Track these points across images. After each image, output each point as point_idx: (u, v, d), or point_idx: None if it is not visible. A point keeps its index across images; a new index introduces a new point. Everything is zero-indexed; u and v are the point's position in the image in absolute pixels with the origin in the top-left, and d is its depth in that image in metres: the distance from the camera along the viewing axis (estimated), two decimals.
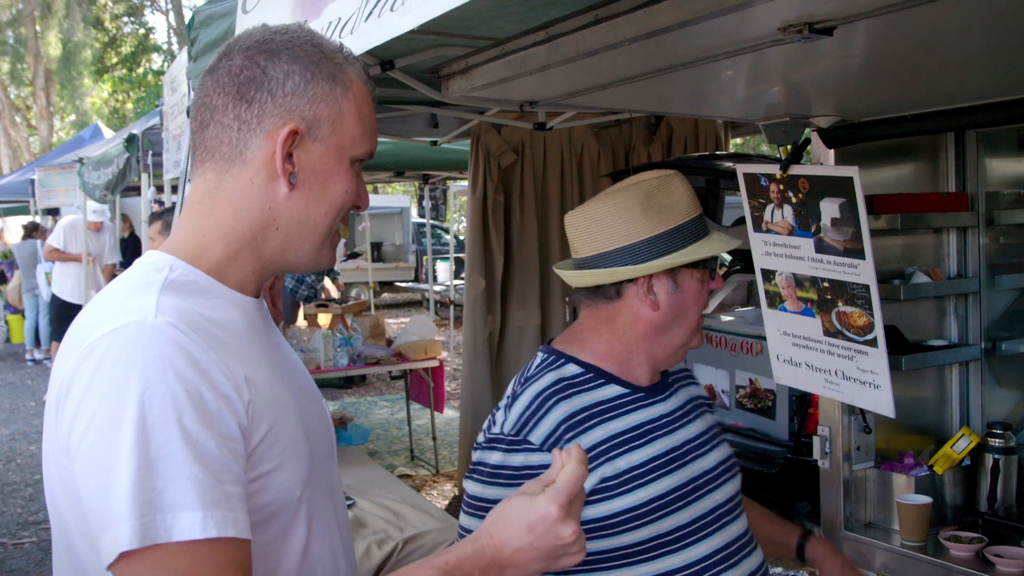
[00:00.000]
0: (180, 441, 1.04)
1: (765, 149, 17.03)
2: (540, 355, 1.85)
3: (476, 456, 1.74)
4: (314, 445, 1.29)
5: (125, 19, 30.78)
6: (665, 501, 1.72)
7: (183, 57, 5.12)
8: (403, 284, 19.75)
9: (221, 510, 1.05)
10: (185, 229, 1.29)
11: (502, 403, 1.78)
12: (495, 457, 1.69)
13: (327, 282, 10.01)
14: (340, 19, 1.60)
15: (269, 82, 1.22)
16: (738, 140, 11.88)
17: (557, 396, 1.72)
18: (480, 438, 1.77)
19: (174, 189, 6.19)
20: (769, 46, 1.80)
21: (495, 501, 1.44)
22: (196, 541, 1.03)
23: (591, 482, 1.65)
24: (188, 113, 2.84)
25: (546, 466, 1.36)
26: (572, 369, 1.78)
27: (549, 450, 1.63)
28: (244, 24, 2.13)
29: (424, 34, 2.78)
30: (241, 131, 1.23)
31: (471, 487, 1.72)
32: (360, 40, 1.49)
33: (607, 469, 1.68)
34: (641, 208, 1.78)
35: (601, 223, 1.81)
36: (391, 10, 1.43)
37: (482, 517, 1.39)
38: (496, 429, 1.72)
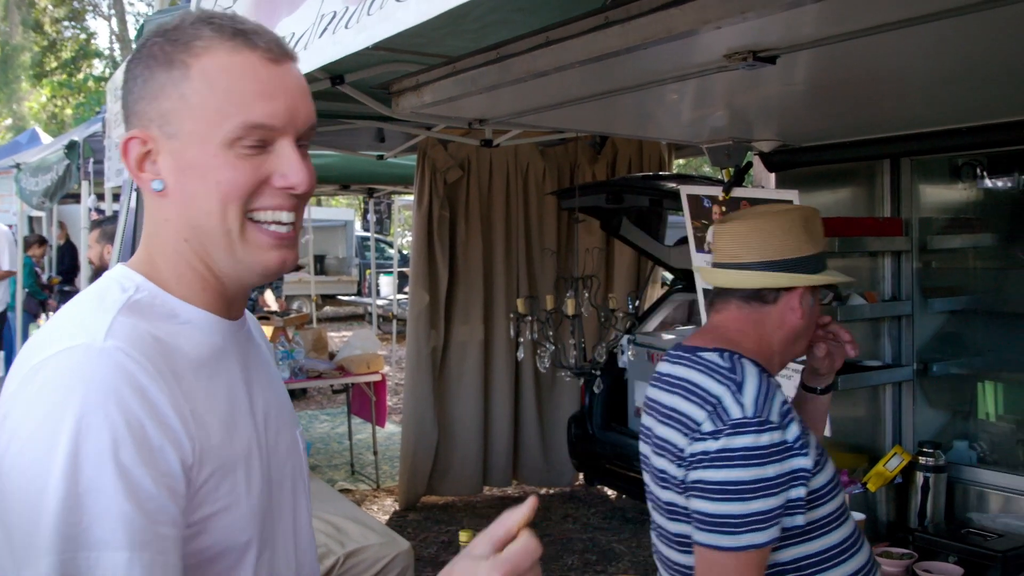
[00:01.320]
0: (113, 475, 0.96)
1: (707, 170, 17.26)
2: (713, 352, 1.96)
3: (717, 445, 1.81)
4: (274, 484, 1.22)
5: (66, 23, 30.27)
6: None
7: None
8: (346, 297, 19.62)
9: (150, 552, 0.98)
10: (142, 246, 1.22)
11: (720, 394, 1.87)
12: (745, 440, 1.79)
13: (267, 295, 9.92)
14: (294, 34, 1.61)
15: (127, 94, 1.16)
16: (680, 161, 12.04)
17: (770, 382, 1.91)
18: (707, 427, 1.84)
19: (115, 197, 6.11)
20: (714, 72, 1.85)
21: (753, 481, 1.73)
22: None
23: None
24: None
25: (786, 443, 1.76)
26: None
27: (787, 427, 1.81)
28: None
29: (375, 50, 2.80)
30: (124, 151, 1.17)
31: (722, 474, 1.79)
32: (314, 56, 1.50)
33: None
34: (803, 229, 2.00)
35: (772, 235, 1.99)
36: (345, 27, 1.44)
37: (734, 499, 1.73)
38: (736, 415, 1.82)
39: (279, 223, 1.15)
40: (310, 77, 3.30)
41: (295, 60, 1.18)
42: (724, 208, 2.91)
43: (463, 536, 2.28)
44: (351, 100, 3.38)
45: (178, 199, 1.14)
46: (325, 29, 1.50)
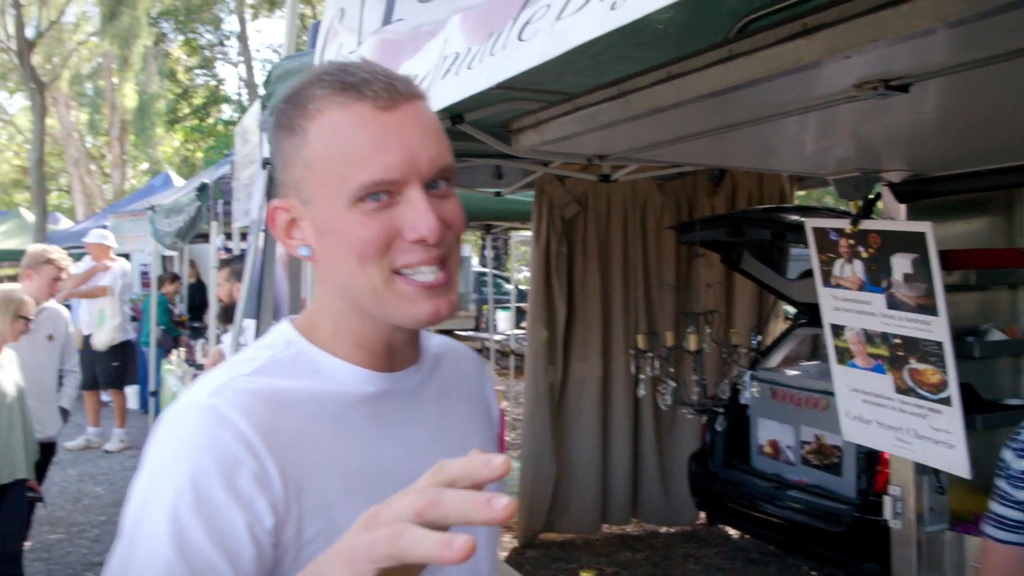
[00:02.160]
0: (168, 526, 1.00)
1: (829, 201, 16.86)
2: None
3: None
4: None
5: (198, 71, 31.70)
6: None
7: (255, 109, 5.24)
8: (463, 333, 19.80)
9: None
10: (313, 303, 1.26)
11: None
12: None
13: None
14: (417, 76, 1.63)
15: (273, 165, 1.20)
16: (802, 192, 11.79)
17: None
18: None
19: (243, 236, 6.31)
20: (843, 103, 1.79)
21: None
22: None
23: None
24: (262, 164, 2.91)
25: None
26: None
27: None
28: None
29: (494, 89, 2.83)
30: None
31: None
32: (437, 97, 1.51)
33: None
34: None
35: None
36: (468, 68, 1.45)
37: None
38: None
39: (424, 275, 1.12)
40: None
41: (416, 99, 1.13)
42: (852, 241, 2.82)
43: None
44: (470, 138, 3.42)
45: (324, 262, 1.16)
46: (448, 70, 1.51)
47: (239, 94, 31.00)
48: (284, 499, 1.05)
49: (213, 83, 31.91)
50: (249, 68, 29.52)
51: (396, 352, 1.21)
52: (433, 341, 1.35)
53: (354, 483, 1.12)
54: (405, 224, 1.09)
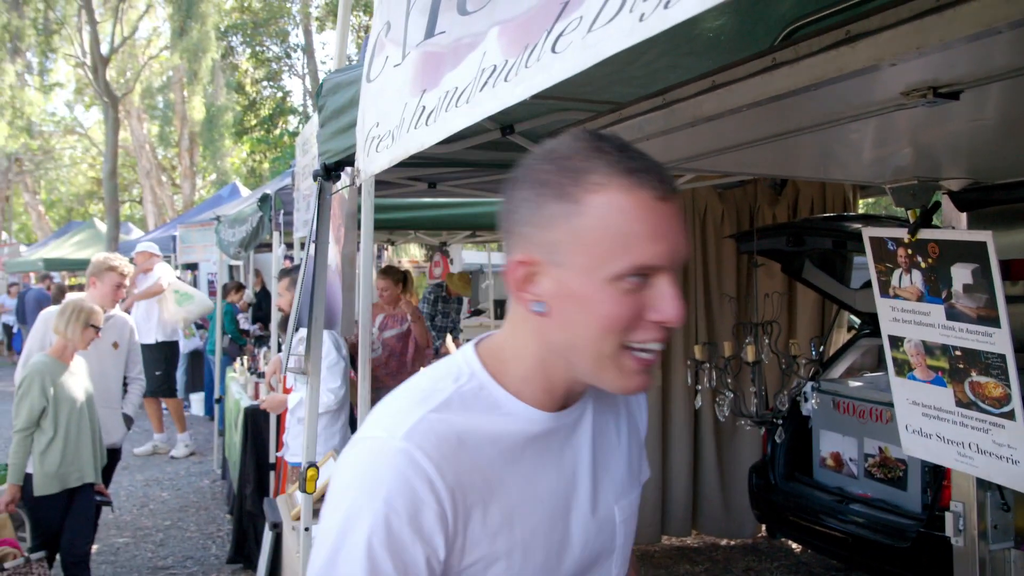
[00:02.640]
0: (363, 558, 1.16)
1: (897, 210, 16.54)
2: None
3: None
4: (561, 568, 1.32)
5: (264, 84, 32.22)
6: None
7: (315, 120, 5.31)
8: None
9: None
10: (501, 335, 1.35)
11: None
12: None
13: (448, 340, 10.16)
14: (457, 88, 1.63)
15: (511, 213, 1.25)
16: (870, 200, 11.58)
17: None
18: None
19: (303, 246, 6.38)
20: (892, 111, 1.75)
21: None
22: None
23: None
24: (313, 176, 2.95)
25: None
26: None
27: None
28: (368, 92, 2.20)
29: (543, 99, 2.82)
30: (504, 264, 1.28)
31: None
32: (476, 109, 1.52)
33: None
34: None
35: None
36: (505, 80, 1.45)
37: None
38: None
39: (650, 352, 1.21)
40: (479, 128, 3.38)
41: (679, 193, 1.22)
42: (910, 251, 2.76)
43: None
44: (522, 149, 3.42)
45: (557, 321, 1.22)
46: (486, 83, 1.51)
47: (304, 105, 31.46)
48: (454, 531, 1.21)
49: (279, 95, 32.42)
50: (315, 80, 29.95)
51: (572, 397, 1.34)
52: None
53: (514, 514, 1.27)
54: (651, 306, 1.18)
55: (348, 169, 2.81)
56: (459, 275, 10.44)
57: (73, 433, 4.90)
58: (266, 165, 28.79)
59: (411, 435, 1.20)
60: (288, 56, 32.17)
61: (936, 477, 4.80)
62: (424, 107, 1.81)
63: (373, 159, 2.10)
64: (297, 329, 3.30)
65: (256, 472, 6.44)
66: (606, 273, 1.16)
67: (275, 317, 6.77)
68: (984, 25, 1.23)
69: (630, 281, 1.16)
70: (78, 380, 5.05)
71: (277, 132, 29.94)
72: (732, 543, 6.73)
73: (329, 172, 2.86)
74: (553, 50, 1.34)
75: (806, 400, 5.65)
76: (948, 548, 4.27)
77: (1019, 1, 1.21)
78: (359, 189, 3.43)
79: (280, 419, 6.18)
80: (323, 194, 3.00)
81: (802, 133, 2.09)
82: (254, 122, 30.91)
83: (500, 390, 1.29)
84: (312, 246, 3.01)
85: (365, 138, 2.17)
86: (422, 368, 7.43)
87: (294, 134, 27.98)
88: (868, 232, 2.91)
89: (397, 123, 1.96)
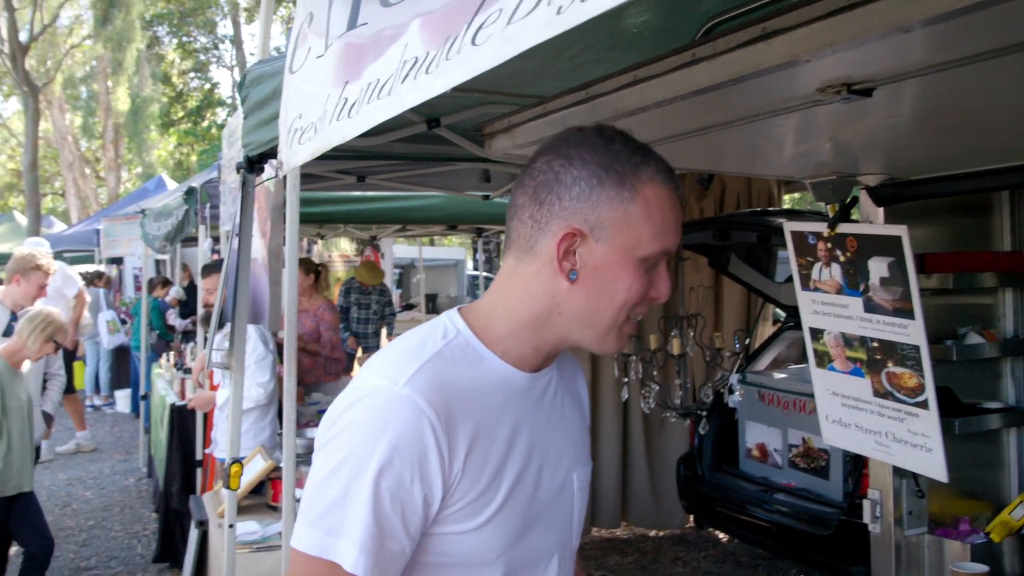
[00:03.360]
0: (370, 493, 1.28)
1: (820, 205, 16.87)
2: None
3: None
4: (534, 516, 1.45)
5: (191, 75, 31.66)
6: None
7: (240, 112, 5.24)
8: None
9: (373, 556, 1.30)
10: (488, 299, 1.48)
11: None
12: None
13: (383, 336, 10.12)
14: (379, 80, 1.62)
15: (559, 187, 1.37)
16: (795, 195, 11.79)
17: None
18: None
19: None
20: (810, 106, 1.79)
21: None
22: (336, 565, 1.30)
23: None
24: (236, 169, 2.90)
25: None
26: None
27: None
28: (290, 83, 2.17)
29: (469, 92, 2.81)
30: (534, 228, 1.39)
31: None
32: (396, 102, 1.51)
33: None
34: None
35: None
36: (426, 72, 1.44)
37: None
38: None
39: (636, 321, 1.42)
40: (405, 121, 3.36)
41: None
42: (830, 245, 2.81)
43: None
44: (448, 142, 3.41)
45: (584, 289, 1.38)
46: (407, 75, 1.50)
47: (232, 98, 30.96)
48: (453, 472, 1.33)
49: (207, 87, 31.88)
50: (243, 71, 29.52)
51: (547, 362, 1.49)
52: None
53: (500, 464, 1.39)
54: (653, 286, 1.40)
55: (272, 161, 2.78)
56: (365, 264, 10.40)
57: (17, 440, 4.77)
58: (193, 158, 28.31)
59: (413, 382, 1.32)
60: (216, 47, 31.67)
61: (857, 466, 4.91)
62: (346, 99, 1.80)
63: (296, 151, 2.08)
64: (222, 324, 3.25)
65: (183, 469, 6.33)
66: (640, 254, 1.36)
67: (200, 312, 6.66)
68: (895, 23, 1.26)
69: (650, 263, 1.37)
70: (23, 385, 4.93)
71: (205, 124, 29.46)
72: (661, 534, 6.81)
73: (252, 164, 2.82)
74: (473, 42, 1.34)
75: (731, 392, 5.74)
76: (867, 535, 4.38)
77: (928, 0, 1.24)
78: (285, 181, 3.39)
79: (208, 415, 6.09)
80: (246, 186, 2.96)
81: (725, 128, 2.12)
82: (181, 114, 30.37)
83: (484, 347, 1.42)
84: (236, 239, 2.96)
85: (288, 130, 2.14)
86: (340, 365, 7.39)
87: (222, 126, 27.51)
88: (789, 226, 2.97)
89: (320, 115, 1.94)
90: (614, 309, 1.38)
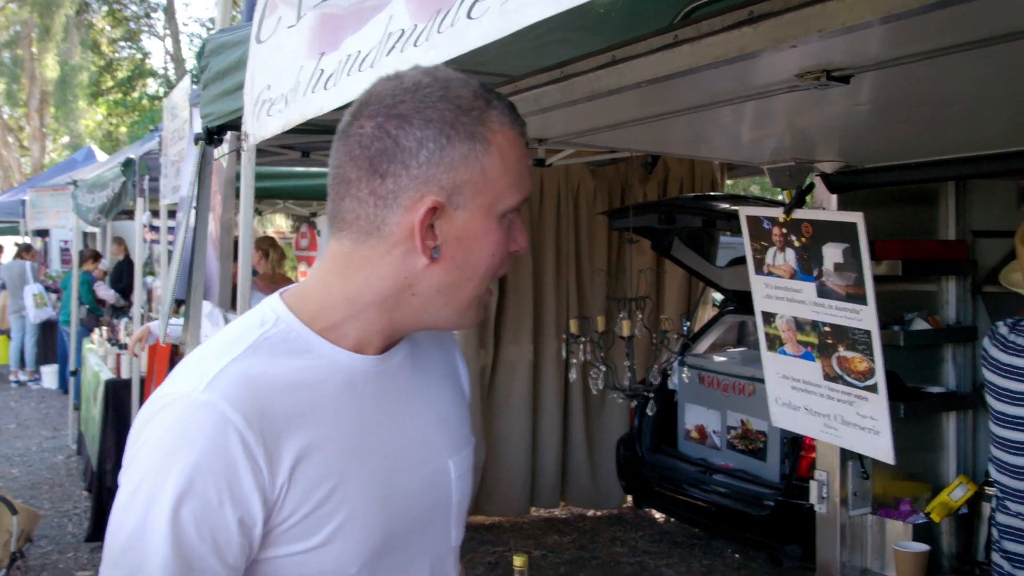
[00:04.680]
0: (168, 525, 1.07)
1: (755, 190, 17.13)
2: None
3: None
4: (397, 520, 1.26)
5: (122, 44, 30.87)
6: None
7: (185, 83, 5.12)
8: None
9: None
10: (314, 282, 1.27)
11: None
12: None
13: None
14: (360, 52, 1.60)
15: (402, 153, 1.15)
16: (729, 181, 11.94)
17: None
18: None
19: (170, 214, 6.17)
20: (785, 92, 1.81)
21: None
22: None
23: None
24: (194, 140, 2.84)
25: None
26: None
27: None
28: (258, 54, 2.13)
29: None
30: (378, 207, 1.18)
31: None
32: (380, 74, 1.49)
33: None
34: None
35: None
36: (414, 45, 1.43)
37: None
38: None
39: (489, 290, 1.26)
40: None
41: None
42: (785, 230, 2.86)
43: (517, 561, 2.25)
44: None
45: (442, 265, 1.19)
46: (393, 48, 1.48)
47: (165, 68, 30.32)
48: (272, 487, 1.12)
49: (138, 56, 31.13)
50: (176, 42, 28.88)
51: (394, 339, 1.29)
52: None
53: (343, 465, 1.19)
54: (512, 239, 1.23)
55: (231, 133, 2.72)
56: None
57: None
58: (123, 129, 27.61)
59: (214, 386, 1.12)
60: (148, 16, 30.90)
61: (794, 448, 5.02)
62: (323, 70, 1.77)
63: (264, 123, 2.05)
64: (180, 302, 3.19)
65: (117, 447, 6.20)
66: (501, 208, 1.19)
67: (139, 285, 6.52)
68: (884, 12, 1.28)
69: (508, 217, 1.21)
70: None
71: (136, 95, 28.75)
72: (599, 513, 6.88)
73: (212, 136, 2.76)
74: (469, 16, 1.33)
75: (671, 375, 5.81)
76: (804, 515, 4.48)
77: None
78: (237, 154, 3.33)
79: (144, 391, 5.98)
80: (205, 159, 2.90)
81: (693, 111, 2.14)
82: (111, 84, 29.61)
83: (311, 333, 1.22)
84: (193, 213, 2.90)
85: (255, 101, 2.11)
86: None
87: (154, 97, 26.92)
88: (744, 211, 3.00)
89: (292, 86, 1.91)
90: (478, 279, 1.21)
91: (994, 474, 2.73)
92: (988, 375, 2.74)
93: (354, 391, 1.23)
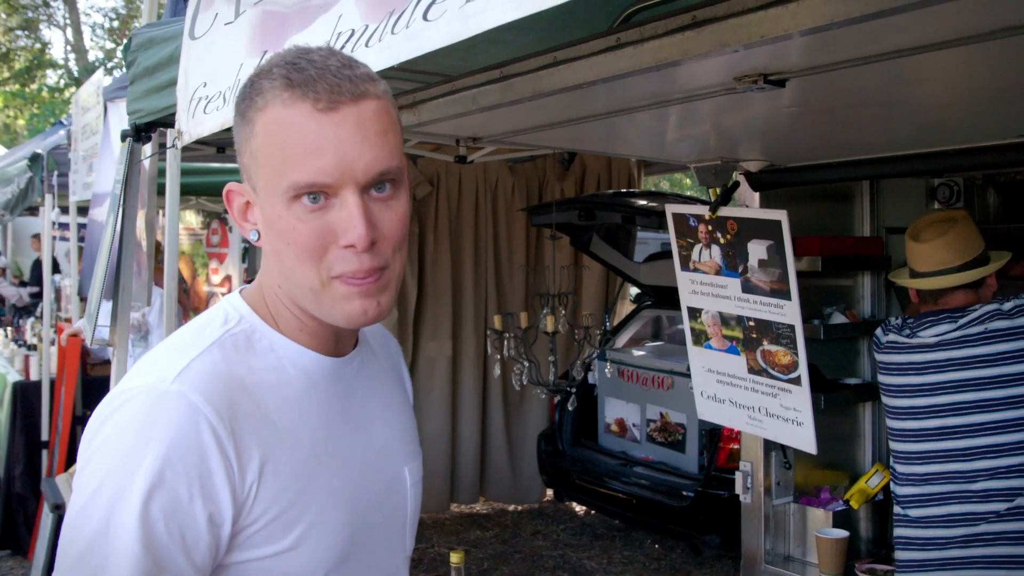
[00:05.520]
0: (136, 522, 1.02)
1: (665, 186, 17.40)
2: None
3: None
4: (362, 524, 1.22)
5: (19, 33, 29.81)
6: None
7: (98, 77, 4.99)
8: None
9: None
10: (259, 278, 1.24)
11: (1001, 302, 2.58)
12: None
13: None
14: None
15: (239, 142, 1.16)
16: (649, 177, 12.09)
17: None
18: (1007, 305, 2.57)
19: (81, 211, 6.00)
20: (721, 94, 1.86)
21: None
22: None
23: None
24: (122, 138, 2.78)
25: None
26: None
27: None
28: (192, 50, 2.10)
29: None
30: None
31: None
32: None
33: None
34: (977, 229, 2.70)
35: (971, 238, 2.67)
36: (366, 46, 1.43)
37: None
38: None
39: (355, 277, 1.11)
40: None
41: (364, 99, 1.09)
42: (711, 227, 2.93)
43: (454, 557, 2.26)
44: None
45: (269, 250, 1.16)
46: (342, 48, 1.48)
47: (66, 59, 29.36)
48: (246, 483, 1.08)
49: (37, 46, 30.09)
50: (78, 32, 28.01)
51: (341, 338, 1.24)
52: None
53: (308, 467, 1.16)
54: (339, 229, 1.09)
55: (167, 131, 2.67)
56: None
57: None
58: (22, 122, 26.69)
59: (184, 378, 1.08)
60: (47, 4, 29.89)
61: (712, 440, 5.13)
62: None
63: (200, 121, 2.02)
64: (109, 299, 3.11)
65: (26, 451, 6.02)
66: (281, 195, 1.09)
67: (48, 283, 6.32)
68: (826, 20, 1.33)
69: (308, 203, 1.08)
70: None
71: (35, 87, 27.79)
72: (520, 508, 6.92)
73: (140, 133, 2.70)
74: (425, 17, 1.34)
75: (591, 369, 5.88)
76: (722, 505, 4.59)
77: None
78: (162, 151, 3.27)
79: (53, 394, 5.81)
80: (133, 156, 2.83)
81: (631, 112, 2.18)
82: (7, 75, 28.57)
83: (273, 332, 1.19)
84: (119, 212, 2.84)
85: (189, 99, 2.07)
86: None
87: (55, 89, 26.07)
88: (671, 208, 3.07)
89: (231, 84, 1.88)
90: (299, 267, 1.11)
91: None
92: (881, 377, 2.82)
93: (317, 393, 1.20)
